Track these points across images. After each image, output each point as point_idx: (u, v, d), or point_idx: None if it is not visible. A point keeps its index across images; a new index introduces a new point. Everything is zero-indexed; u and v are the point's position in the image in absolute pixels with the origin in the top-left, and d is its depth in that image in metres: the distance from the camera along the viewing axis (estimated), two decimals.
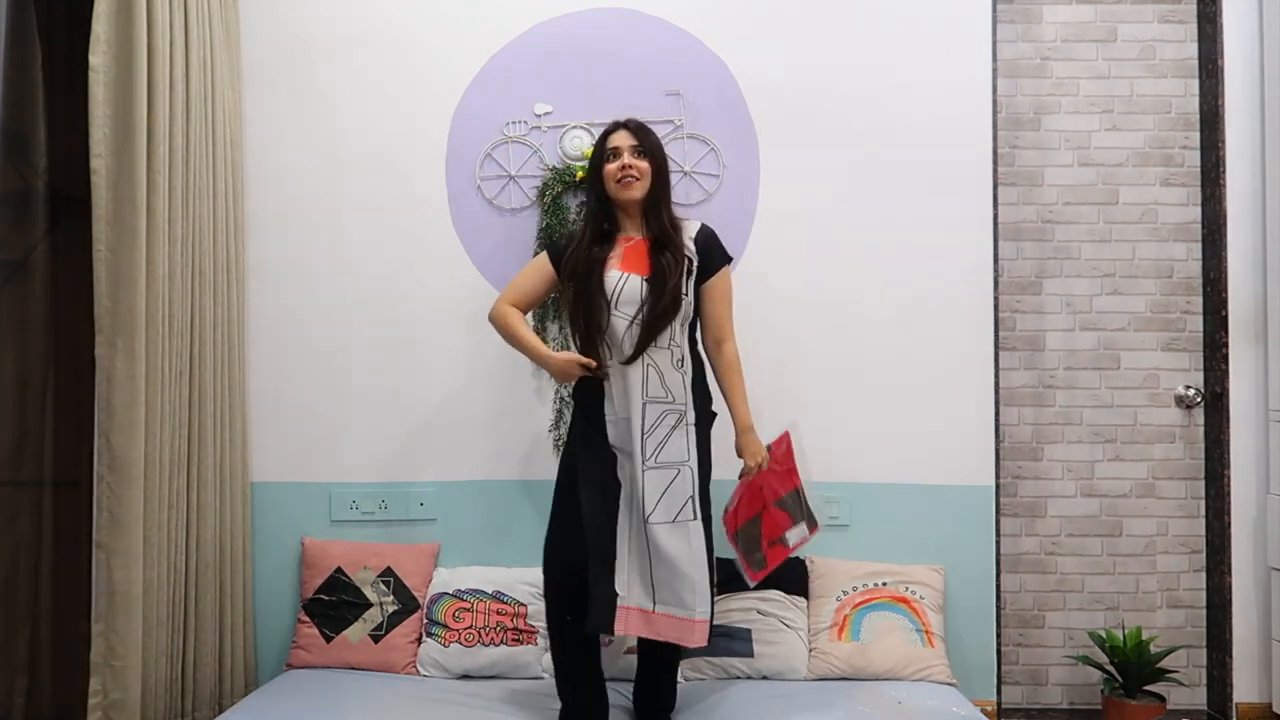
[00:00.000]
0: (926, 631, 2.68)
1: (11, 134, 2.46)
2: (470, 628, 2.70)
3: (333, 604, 2.77)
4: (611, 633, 2.25)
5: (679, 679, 2.54)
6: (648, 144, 2.39)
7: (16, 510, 2.47)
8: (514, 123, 2.93)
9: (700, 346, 2.44)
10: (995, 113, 2.93)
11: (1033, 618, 3.20)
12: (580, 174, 2.86)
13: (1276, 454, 2.97)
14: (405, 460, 2.93)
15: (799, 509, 2.50)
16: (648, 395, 2.30)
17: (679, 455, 2.29)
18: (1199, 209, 3.21)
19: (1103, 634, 2.97)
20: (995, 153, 2.92)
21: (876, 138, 2.91)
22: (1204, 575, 3.18)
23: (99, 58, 2.30)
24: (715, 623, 2.64)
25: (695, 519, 2.28)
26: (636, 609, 2.26)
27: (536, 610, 2.69)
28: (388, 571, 2.81)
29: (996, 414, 2.90)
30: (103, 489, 2.33)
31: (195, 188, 2.61)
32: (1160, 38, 3.23)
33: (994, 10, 2.93)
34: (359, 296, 2.94)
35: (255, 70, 2.94)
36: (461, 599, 2.75)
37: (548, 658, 2.64)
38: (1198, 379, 3.20)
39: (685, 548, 2.26)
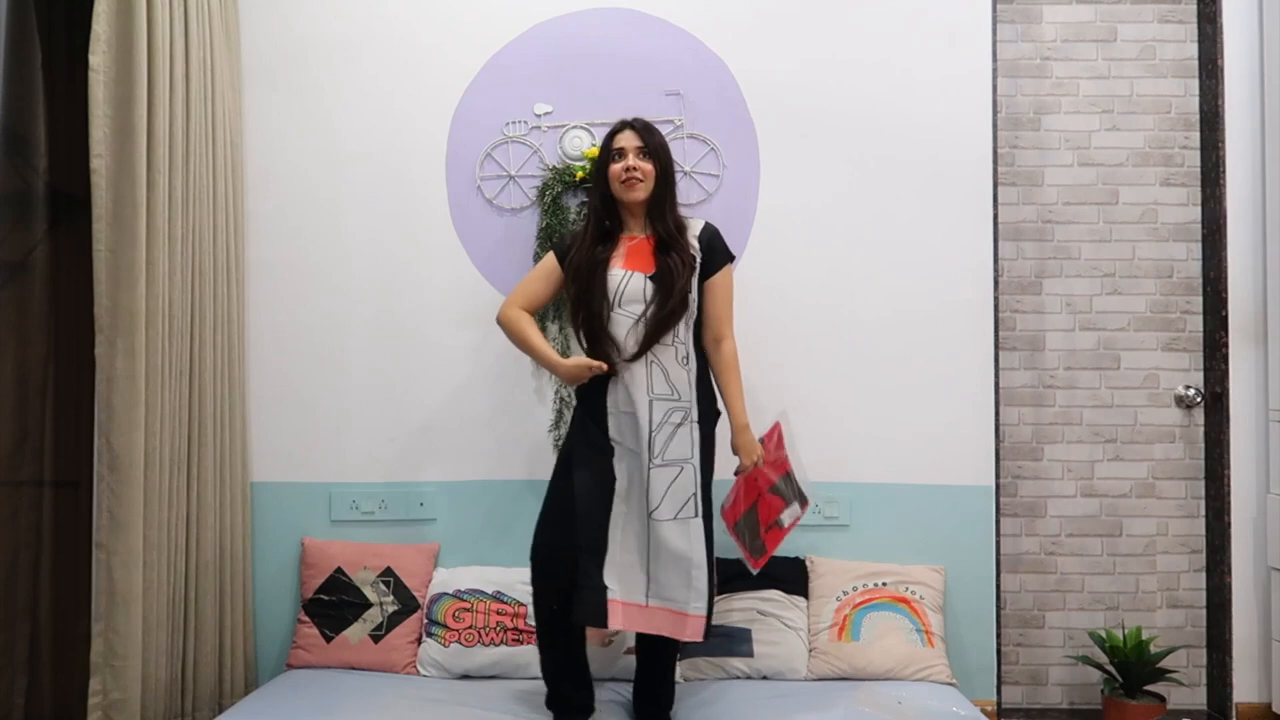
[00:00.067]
0: (926, 631, 2.68)
1: (11, 134, 2.46)
2: (470, 628, 2.70)
3: (333, 604, 2.77)
4: (604, 626, 2.25)
5: (678, 679, 2.55)
6: (653, 144, 2.40)
7: (16, 510, 2.47)
8: (514, 123, 2.93)
9: (700, 343, 2.44)
10: (995, 112, 2.93)
11: (1033, 618, 3.20)
12: (580, 174, 2.86)
13: (1276, 454, 2.97)
14: (405, 460, 2.93)
15: (791, 491, 2.52)
16: (654, 392, 2.30)
17: (683, 453, 2.30)
18: (1199, 209, 3.21)
19: (1103, 634, 2.97)
20: (995, 153, 2.92)
21: (876, 138, 2.91)
22: (1204, 575, 3.18)
23: (99, 58, 2.30)
24: (715, 623, 2.65)
25: (696, 516, 2.29)
26: (631, 603, 2.26)
27: None
28: (388, 571, 2.81)
29: (996, 414, 2.90)
30: (103, 489, 2.33)
31: (195, 188, 2.61)
32: (1160, 38, 3.23)
33: (994, 10, 2.94)
34: (359, 296, 2.94)
35: (255, 70, 2.94)
36: (461, 599, 2.75)
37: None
38: (1198, 379, 3.20)
39: (685, 544, 2.27)
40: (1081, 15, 3.23)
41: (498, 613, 2.71)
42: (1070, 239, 3.23)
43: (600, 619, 2.23)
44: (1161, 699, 2.91)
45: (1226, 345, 3.04)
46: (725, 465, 2.45)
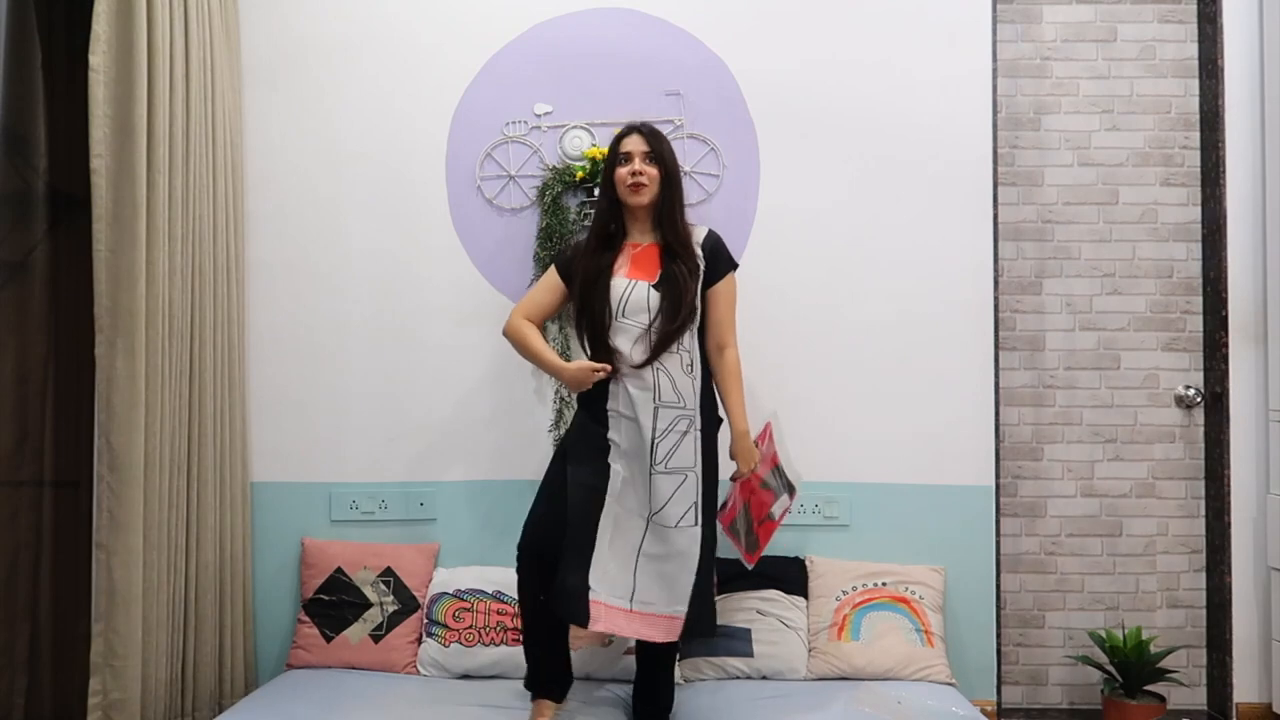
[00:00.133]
0: (926, 631, 2.68)
1: (11, 134, 2.46)
2: (470, 628, 2.70)
3: (333, 604, 2.77)
4: (585, 626, 2.25)
5: (678, 679, 2.55)
6: (659, 150, 2.40)
7: (16, 510, 2.47)
8: (514, 123, 2.93)
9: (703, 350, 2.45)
10: (995, 112, 2.93)
11: (1033, 618, 3.20)
12: (580, 174, 2.86)
13: (1276, 454, 2.97)
14: (405, 460, 2.93)
15: (780, 483, 2.55)
16: (660, 400, 2.31)
17: (687, 461, 2.31)
18: (1199, 209, 3.21)
19: (1103, 634, 2.97)
20: (995, 153, 2.92)
21: (877, 138, 2.91)
22: (1204, 575, 3.18)
23: (99, 58, 2.30)
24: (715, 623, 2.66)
25: (695, 525, 2.29)
26: (615, 607, 2.26)
27: None
28: (388, 571, 2.81)
29: (996, 414, 2.90)
30: (103, 489, 2.33)
31: (195, 188, 2.61)
32: (1160, 38, 3.23)
33: (994, 10, 2.94)
34: (359, 296, 2.94)
35: (255, 70, 2.94)
36: (461, 599, 2.75)
37: None
38: (1198, 379, 3.20)
39: (681, 551, 2.29)
40: (1081, 15, 3.23)
41: (498, 613, 2.71)
42: (1070, 239, 3.23)
43: (581, 619, 2.24)
44: (1161, 699, 2.91)
45: (1226, 345, 3.04)
46: (724, 468, 2.45)
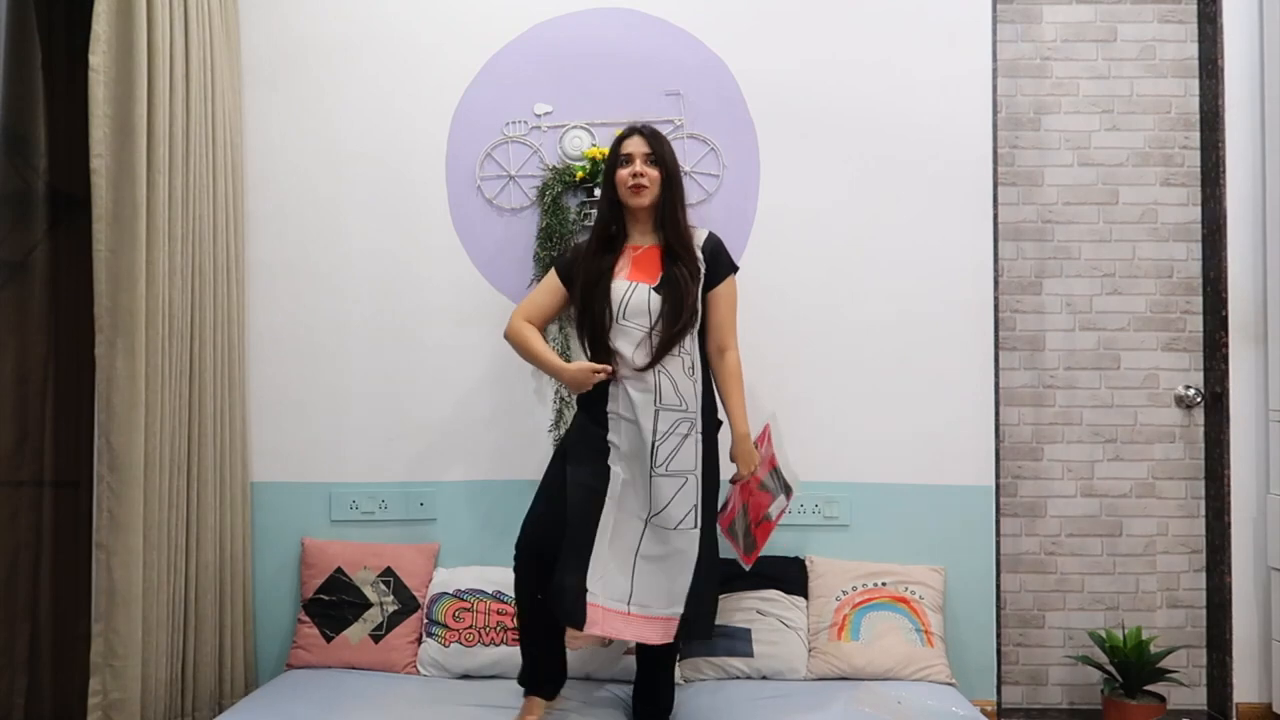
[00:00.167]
0: (926, 631, 2.68)
1: (11, 134, 2.46)
2: (470, 628, 2.70)
3: (333, 604, 2.77)
4: (581, 629, 2.25)
5: (678, 680, 2.55)
6: (660, 152, 2.41)
7: (16, 510, 2.47)
8: (514, 123, 2.93)
9: (703, 352, 2.45)
10: (995, 112, 2.93)
11: (1033, 618, 3.20)
12: (580, 174, 2.86)
13: (1276, 454, 2.97)
14: (405, 460, 2.93)
15: (777, 484, 2.56)
16: (661, 402, 2.31)
17: (688, 464, 2.31)
18: (1199, 209, 3.21)
19: (1103, 634, 2.97)
20: (995, 153, 2.92)
21: (877, 138, 2.91)
22: (1204, 575, 3.18)
23: (99, 58, 2.30)
24: (715, 623, 2.66)
25: (695, 528, 2.30)
26: (612, 609, 2.26)
27: None
28: (388, 571, 2.81)
29: (996, 414, 2.90)
30: (103, 489, 2.33)
31: (195, 188, 2.61)
32: (1160, 38, 3.23)
33: (994, 10, 2.94)
34: (359, 296, 2.94)
35: (255, 70, 2.94)
36: (461, 599, 2.75)
37: None
38: (1198, 379, 3.20)
39: (679, 553, 2.29)
40: (1081, 15, 3.23)
41: (498, 613, 2.71)
42: (1070, 239, 3.23)
43: (578, 621, 2.24)
44: (1161, 699, 2.91)
45: (1226, 345, 3.04)
46: (723, 470, 2.45)
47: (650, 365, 2.30)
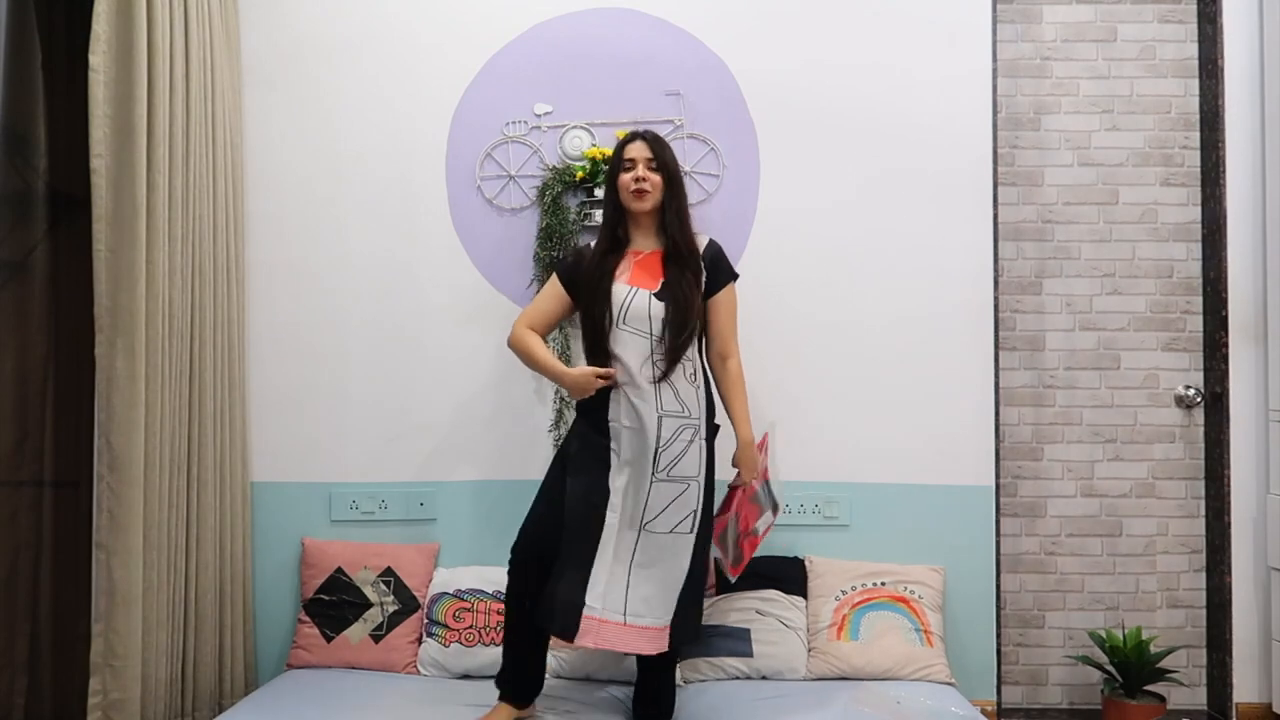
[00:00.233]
0: (925, 631, 2.68)
1: (11, 134, 2.46)
2: (470, 628, 2.70)
3: (333, 604, 2.77)
4: (572, 641, 2.23)
5: (678, 681, 2.55)
6: (662, 157, 2.41)
7: (16, 510, 2.47)
8: (514, 123, 2.93)
9: (705, 359, 2.46)
10: (995, 113, 2.93)
11: (1033, 618, 3.20)
12: (580, 174, 2.86)
13: (1276, 454, 2.97)
14: (405, 460, 2.93)
15: (767, 498, 2.55)
16: (663, 409, 2.30)
17: (691, 470, 2.31)
18: (1199, 209, 3.21)
19: (1103, 634, 2.97)
20: (995, 153, 2.92)
21: (876, 138, 2.91)
22: (1204, 575, 3.18)
23: (99, 58, 2.30)
24: (714, 623, 2.66)
25: (691, 533, 2.30)
26: (609, 621, 2.24)
27: None
28: (388, 571, 2.81)
29: (996, 414, 2.90)
30: (103, 489, 2.33)
31: (195, 188, 2.61)
32: (1160, 38, 3.23)
33: (994, 10, 2.94)
34: (359, 296, 2.94)
35: (255, 70, 2.94)
36: (462, 599, 2.75)
37: (549, 658, 2.62)
38: (1198, 379, 3.20)
39: (671, 560, 2.29)
40: (1081, 15, 3.23)
41: (498, 613, 2.71)
42: (1070, 239, 3.23)
43: (569, 633, 2.22)
44: (1161, 699, 2.91)
45: (1226, 345, 3.04)
46: (721, 474, 2.46)
47: (665, 377, 2.30)
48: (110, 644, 2.31)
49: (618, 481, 2.31)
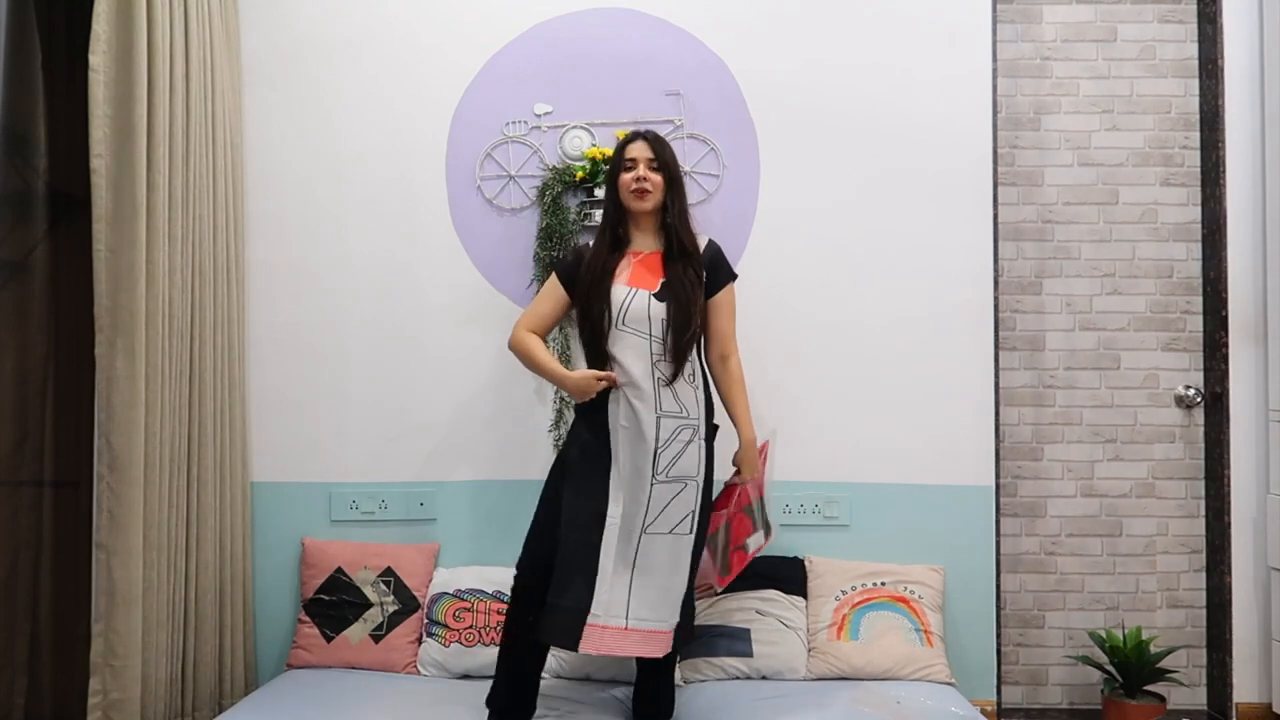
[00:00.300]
0: (925, 631, 2.68)
1: (11, 134, 2.46)
2: (470, 628, 2.70)
3: (333, 604, 2.77)
4: (575, 649, 2.22)
5: (678, 680, 2.55)
6: (663, 157, 2.41)
7: (16, 510, 2.47)
8: (514, 123, 2.93)
9: (704, 359, 2.46)
10: (995, 113, 2.93)
11: (1033, 618, 3.20)
12: (580, 174, 2.86)
13: (1276, 454, 2.97)
14: (405, 460, 2.93)
15: (760, 517, 2.54)
16: (662, 409, 2.30)
17: (689, 471, 2.30)
18: (1199, 209, 3.21)
19: (1103, 634, 2.97)
20: (995, 153, 2.92)
21: (876, 138, 2.91)
22: (1204, 575, 3.18)
23: (99, 58, 2.30)
24: (714, 623, 2.66)
25: (689, 533, 2.30)
26: (612, 626, 2.23)
27: None
28: (388, 571, 2.81)
29: (996, 414, 2.90)
30: (103, 489, 2.33)
31: (195, 188, 2.61)
32: (1160, 38, 3.23)
33: (994, 10, 2.94)
34: (359, 296, 2.94)
35: (255, 70, 2.95)
36: (462, 599, 2.75)
37: (549, 659, 2.62)
38: (1198, 379, 3.20)
39: (672, 560, 2.29)
40: (1081, 15, 3.23)
41: (498, 613, 2.71)
42: (1070, 239, 3.23)
43: (571, 641, 2.21)
44: (1161, 699, 2.91)
45: (1226, 345, 3.04)
46: (721, 475, 2.46)
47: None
48: (110, 644, 2.31)
49: (617, 483, 2.30)
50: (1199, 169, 3.21)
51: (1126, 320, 3.22)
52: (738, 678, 2.63)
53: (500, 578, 2.77)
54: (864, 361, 2.89)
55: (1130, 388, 3.22)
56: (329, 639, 2.74)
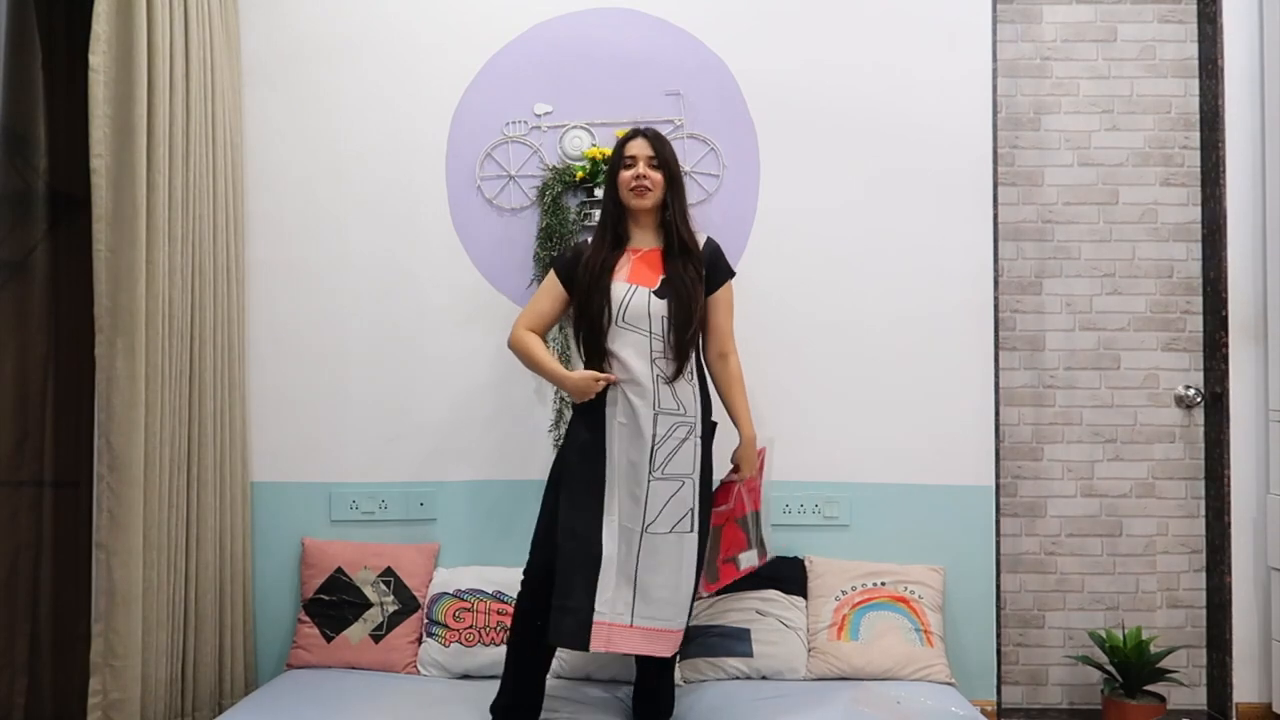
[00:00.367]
0: (925, 631, 2.68)
1: (11, 134, 2.46)
2: (470, 628, 2.70)
3: (333, 604, 2.77)
4: (585, 649, 2.23)
5: (678, 680, 2.55)
6: (663, 155, 2.41)
7: (16, 510, 2.47)
8: (514, 123, 2.93)
9: (702, 358, 2.45)
10: (995, 113, 2.93)
11: (1033, 618, 3.20)
12: (580, 174, 2.86)
13: (1276, 454, 2.97)
14: (405, 460, 2.93)
15: (754, 534, 2.54)
16: (659, 406, 2.30)
17: (685, 468, 2.30)
18: (1199, 209, 3.21)
19: (1103, 634, 2.97)
20: (995, 153, 2.92)
21: (876, 138, 2.91)
22: (1204, 575, 3.18)
23: (99, 58, 2.30)
24: (714, 623, 2.66)
25: (691, 531, 2.30)
26: (617, 624, 2.24)
27: None
28: (388, 571, 2.81)
29: (996, 414, 2.90)
30: (103, 489, 2.33)
31: (195, 188, 2.61)
32: (1160, 38, 3.23)
33: (994, 10, 2.94)
34: (358, 296, 2.94)
35: (255, 70, 2.94)
36: (462, 599, 2.75)
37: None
38: (1198, 379, 3.20)
39: (676, 559, 2.28)
40: (1081, 15, 3.23)
41: (498, 613, 2.71)
42: (1070, 239, 3.23)
43: (581, 642, 2.22)
44: (1161, 699, 2.91)
45: (1226, 345, 3.04)
46: (719, 473, 2.46)
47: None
48: (110, 644, 2.31)
49: (616, 482, 2.30)
50: (1199, 169, 3.21)
51: (1126, 320, 3.22)
52: (738, 678, 2.63)
53: (500, 578, 2.78)
54: (864, 361, 2.89)
55: (1130, 388, 3.22)
56: (329, 639, 2.74)
